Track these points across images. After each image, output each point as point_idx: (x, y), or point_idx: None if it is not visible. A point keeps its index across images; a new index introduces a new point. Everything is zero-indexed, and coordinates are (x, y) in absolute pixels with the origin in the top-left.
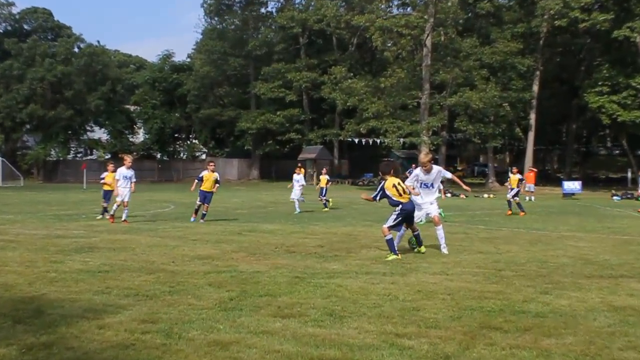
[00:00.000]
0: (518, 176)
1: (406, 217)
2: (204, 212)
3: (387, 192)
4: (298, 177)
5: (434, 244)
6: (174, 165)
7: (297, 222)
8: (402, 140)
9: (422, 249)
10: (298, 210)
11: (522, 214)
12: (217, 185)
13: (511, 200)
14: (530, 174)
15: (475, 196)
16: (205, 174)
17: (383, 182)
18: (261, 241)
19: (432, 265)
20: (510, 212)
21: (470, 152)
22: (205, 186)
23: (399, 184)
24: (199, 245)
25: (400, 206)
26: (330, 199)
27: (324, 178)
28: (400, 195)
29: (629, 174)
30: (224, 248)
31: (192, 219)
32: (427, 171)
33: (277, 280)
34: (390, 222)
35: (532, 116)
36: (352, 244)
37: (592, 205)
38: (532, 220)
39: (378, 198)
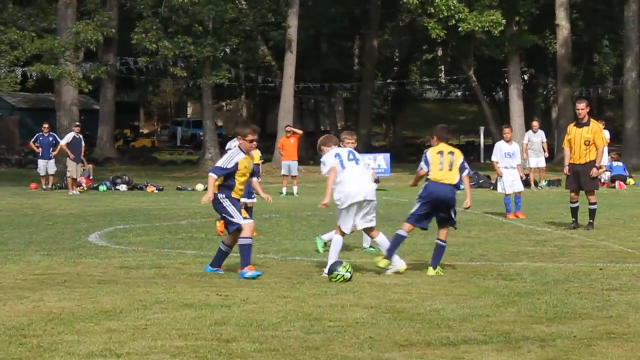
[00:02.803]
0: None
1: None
2: None
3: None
4: None
5: None
6: None
7: None
8: (21, 71)
9: None
10: None
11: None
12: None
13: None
14: (289, 141)
15: (179, 188)
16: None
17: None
18: None
19: (87, 336)
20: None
21: (166, 97)
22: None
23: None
24: None
25: None
26: None
27: None
28: None
29: (482, 137)
30: None
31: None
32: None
33: None
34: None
35: (293, 21)
36: None
37: (410, 202)
38: (294, 237)
39: None
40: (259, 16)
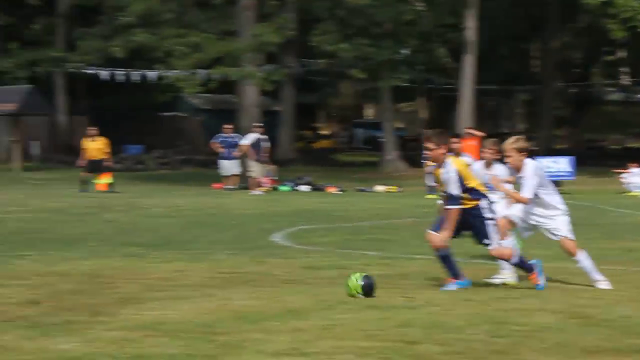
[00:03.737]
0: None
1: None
2: None
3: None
4: None
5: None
6: None
7: None
8: (204, 73)
9: None
10: None
11: None
12: None
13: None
14: (469, 143)
15: (359, 190)
16: None
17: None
18: None
19: (274, 335)
20: None
21: (345, 99)
22: None
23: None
24: None
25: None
26: None
27: None
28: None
29: None
30: None
31: None
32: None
33: None
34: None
35: (472, 23)
36: (103, 297)
37: (595, 205)
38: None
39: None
40: (437, 18)
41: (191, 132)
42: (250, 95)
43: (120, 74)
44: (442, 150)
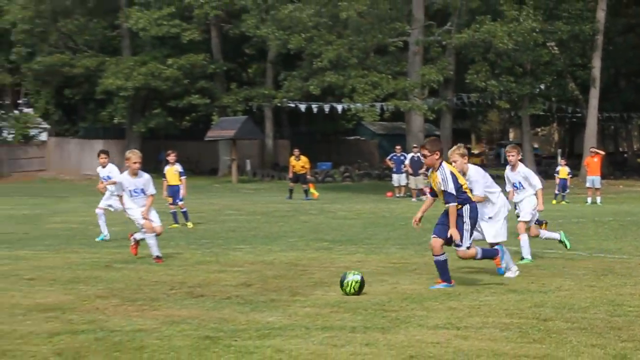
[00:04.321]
0: (567, 168)
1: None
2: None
3: (457, 182)
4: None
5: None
6: None
7: (205, 245)
8: (380, 105)
9: None
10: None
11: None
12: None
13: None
14: (593, 160)
15: None
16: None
17: (442, 164)
18: (146, 278)
19: (433, 313)
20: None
21: (492, 124)
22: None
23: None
24: (39, 288)
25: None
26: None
27: (175, 171)
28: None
29: None
30: (82, 292)
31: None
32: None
33: (174, 344)
34: (467, 241)
35: (597, 63)
36: (300, 281)
37: None
38: (598, 237)
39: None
40: (569, 59)
41: (369, 152)
42: (416, 123)
43: (314, 106)
44: (436, 156)
